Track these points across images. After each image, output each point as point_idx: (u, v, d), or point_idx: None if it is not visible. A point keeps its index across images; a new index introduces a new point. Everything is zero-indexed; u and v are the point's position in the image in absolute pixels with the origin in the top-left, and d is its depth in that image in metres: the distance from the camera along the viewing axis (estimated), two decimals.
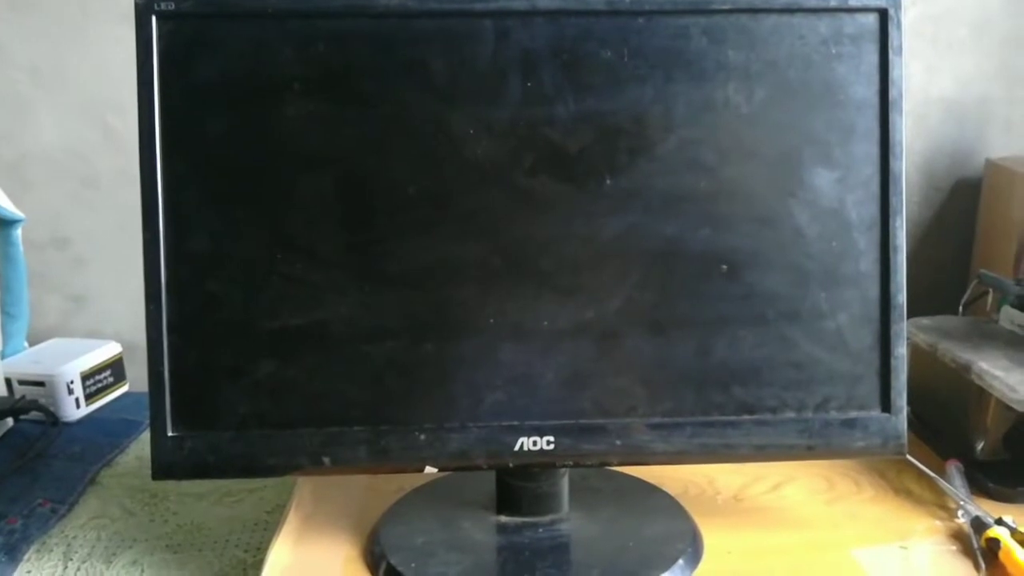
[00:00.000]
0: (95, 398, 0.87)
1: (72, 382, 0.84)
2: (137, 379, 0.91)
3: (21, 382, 0.83)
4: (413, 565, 0.54)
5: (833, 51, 0.53)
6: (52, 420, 0.80)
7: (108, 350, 0.89)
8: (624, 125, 0.53)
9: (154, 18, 0.51)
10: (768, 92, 0.53)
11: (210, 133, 0.52)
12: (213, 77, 0.52)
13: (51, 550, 0.63)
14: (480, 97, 0.52)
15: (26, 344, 0.91)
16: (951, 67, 0.95)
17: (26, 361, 0.86)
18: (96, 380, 0.87)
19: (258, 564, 0.58)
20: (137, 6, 0.51)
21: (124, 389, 0.91)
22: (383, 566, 0.54)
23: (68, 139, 0.95)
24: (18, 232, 0.87)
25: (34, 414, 0.80)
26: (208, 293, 0.52)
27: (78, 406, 0.84)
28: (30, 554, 0.62)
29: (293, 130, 0.52)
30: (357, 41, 0.51)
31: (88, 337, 0.94)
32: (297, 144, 0.52)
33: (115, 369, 0.90)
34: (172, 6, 0.51)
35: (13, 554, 0.61)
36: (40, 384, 0.83)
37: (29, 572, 0.60)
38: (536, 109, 0.52)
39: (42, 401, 0.81)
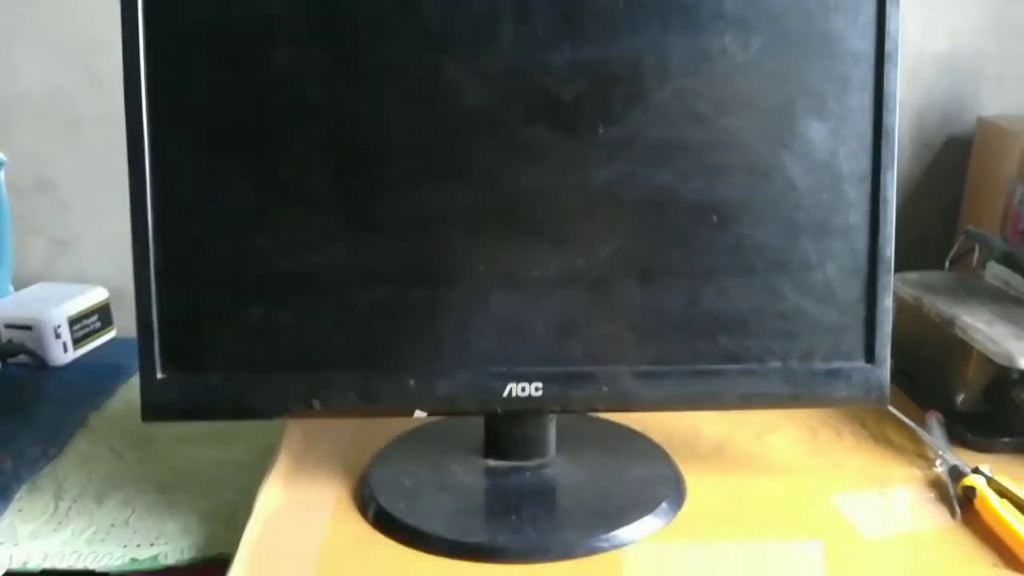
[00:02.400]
0: (83, 343, 0.86)
1: (59, 327, 0.83)
2: (125, 325, 0.91)
3: (8, 325, 0.83)
4: (402, 506, 0.55)
5: (831, 2, 0.53)
6: (40, 364, 0.80)
7: (95, 295, 0.89)
8: (619, 73, 0.52)
9: None
10: (764, 42, 0.53)
11: (197, 76, 0.51)
12: (200, 19, 0.51)
13: (41, 490, 0.63)
14: (473, 44, 0.51)
15: (11, 288, 0.90)
16: (946, 22, 0.94)
17: (12, 304, 0.86)
18: (83, 325, 0.86)
19: (248, 505, 0.58)
20: None
21: (112, 335, 0.91)
22: (372, 507, 0.55)
23: (50, 81, 0.93)
24: (1, 175, 0.86)
25: (22, 358, 0.80)
26: (195, 236, 0.52)
27: (65, 351, 0.84)
28: (21, 494, 0.63)
29: (281, 74, 0.51)
30: None
31: (73, 282, 0.94)
32: (286, 89, 0.51)
33: (102, 314, 0.89)
34: None
35: (4, 493, 0.62)
36: (27, 328, 0.82)
37: (21, 511, 0.61)
38: (530, 56, 0.52)
39: (29, 345, 0.81)
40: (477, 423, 0.60)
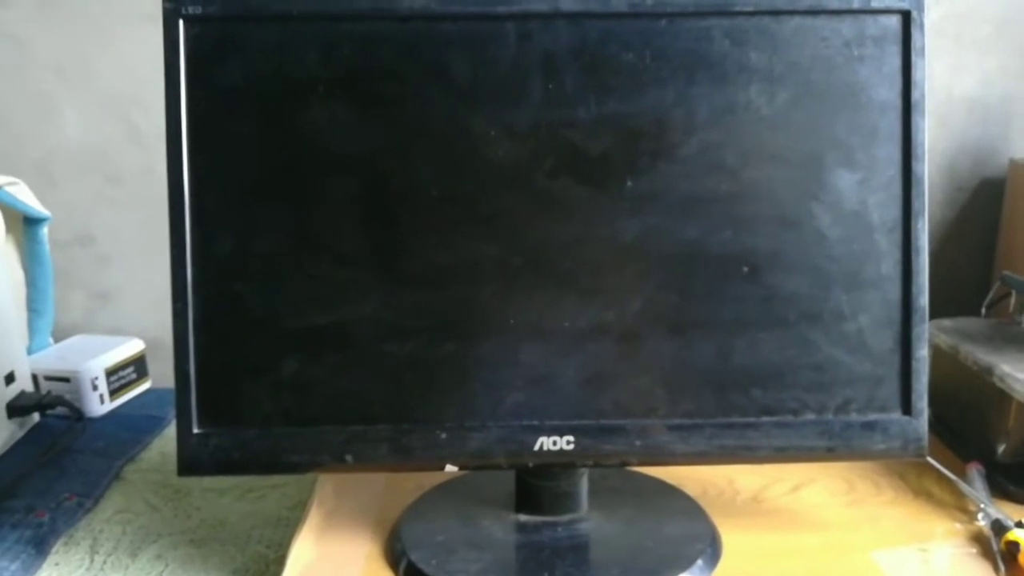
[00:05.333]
0: (119, 394, 0.88)
1: (97, 378, 0.85)
2: (159, 376, 0.93)
3: (47, 378, 0.85)
4: (433, 562, 0.54)
5: (855, 53, 0.53)
6: (77, 416, 0.82)
7: (132, 347, 0.90)
8: (646, 127, 0.53)
9: (181, 21, 0.51)
10: (790, 94, 0.53)
11: (236, 134, 0.53)
12: (239, 79, 0.52)
13: (78, 543, 0.64)
14: (502, 99, 0.52)
15: (51, 340, 0.92)
16: (975, 66, 0.94)
17: (52, 357, 0.88)
18: (120, 376, 0.88)
19: (280, 560, 0.58)
20: (165, 10, 0.51)
21: (147, 385, 0.92)
22: (404, 563, 0.55)
23: (92, 137, 0.96)
24: (44, 230, 0.89)
25: (60, 409, 0.82)
26: (234, 292, 0.53)
27: (102, 402, 0.86)
28: (58, 547, 0.63)
29: (318, 132, 0.52)
30: (381, 43, 0.52)
31: (111, 334, 0.96)
32: (322, 145, 0.53)
33: (138, 366, 0.91)
34: (199, 10, 0.51)
35: (41, 547, 0.62)
36: (65, 380, 0.84)
37: (57, 564, 0.61)
38: (558, 111, 0.52)
39: (67, 397, 0.83)
40: (508, 477, 0.60)
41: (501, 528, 0.58)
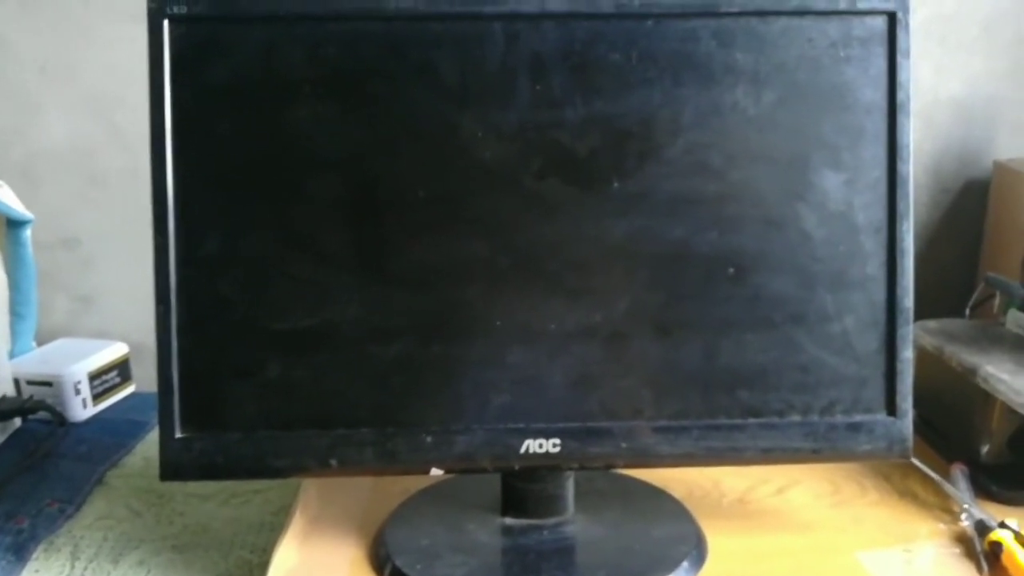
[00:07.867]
0: (102, 398, 0.87)
1: (79, 382, 0.84)
2: (143, 379, 0.92)
3: (29, 382, 0.84)
4: (418, 567, 0.54)
5: (842, 54, 0.53)
6: (59, 420, 0.81)
7: (115, 350, 0.90)
8: (632, 128, 0.53)
9: (166, 21, 0.51)
10: (777, 95, 0.53)
11: (221, 135, 0.52)
12: (224, 80, 0.52)
13: (59, 550, 0.63)
14: (489, 100, 0.52)
15: (34, 344, 0.91)
16: (960, 68, 0.95)
17: (34, 361, 0.87)
18: (103, 380, 0.87)
19: (264, 565, 0.58)
20: (149, 10, 0.51)
21: (131, 389, 0.91)
22: (388, 568, 0.55)
23: (76, 138, 0.95)
24: (27, 233, 0.88)
25: (42, 414, 0.81)
26: (218, 295, 0.53)
27: (85, 406, 0.85)
28: (38, 553, 0.62)
29: (303, 132, 0.52)
30: (367, 44, 0.52)
31: (95, 337, 0.94)
32: (307, 146, 0.52)
33: (122, 370, 0.90)
34: (184, 10, 0.51)
35: (21, 553, 0.62)
36: (48, 384, 0.83)
37: (37, 571, 0.61)
38: (545, 112, 0.52)
39: (49, 401, 0.82)
40: (494, 480, 0.59)
41: (487, 532, 0.58)
